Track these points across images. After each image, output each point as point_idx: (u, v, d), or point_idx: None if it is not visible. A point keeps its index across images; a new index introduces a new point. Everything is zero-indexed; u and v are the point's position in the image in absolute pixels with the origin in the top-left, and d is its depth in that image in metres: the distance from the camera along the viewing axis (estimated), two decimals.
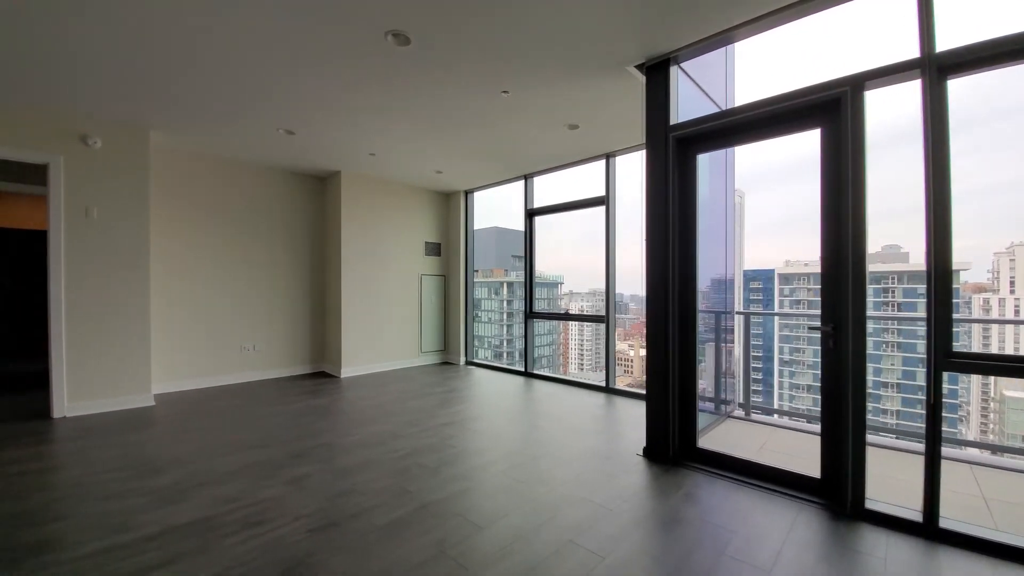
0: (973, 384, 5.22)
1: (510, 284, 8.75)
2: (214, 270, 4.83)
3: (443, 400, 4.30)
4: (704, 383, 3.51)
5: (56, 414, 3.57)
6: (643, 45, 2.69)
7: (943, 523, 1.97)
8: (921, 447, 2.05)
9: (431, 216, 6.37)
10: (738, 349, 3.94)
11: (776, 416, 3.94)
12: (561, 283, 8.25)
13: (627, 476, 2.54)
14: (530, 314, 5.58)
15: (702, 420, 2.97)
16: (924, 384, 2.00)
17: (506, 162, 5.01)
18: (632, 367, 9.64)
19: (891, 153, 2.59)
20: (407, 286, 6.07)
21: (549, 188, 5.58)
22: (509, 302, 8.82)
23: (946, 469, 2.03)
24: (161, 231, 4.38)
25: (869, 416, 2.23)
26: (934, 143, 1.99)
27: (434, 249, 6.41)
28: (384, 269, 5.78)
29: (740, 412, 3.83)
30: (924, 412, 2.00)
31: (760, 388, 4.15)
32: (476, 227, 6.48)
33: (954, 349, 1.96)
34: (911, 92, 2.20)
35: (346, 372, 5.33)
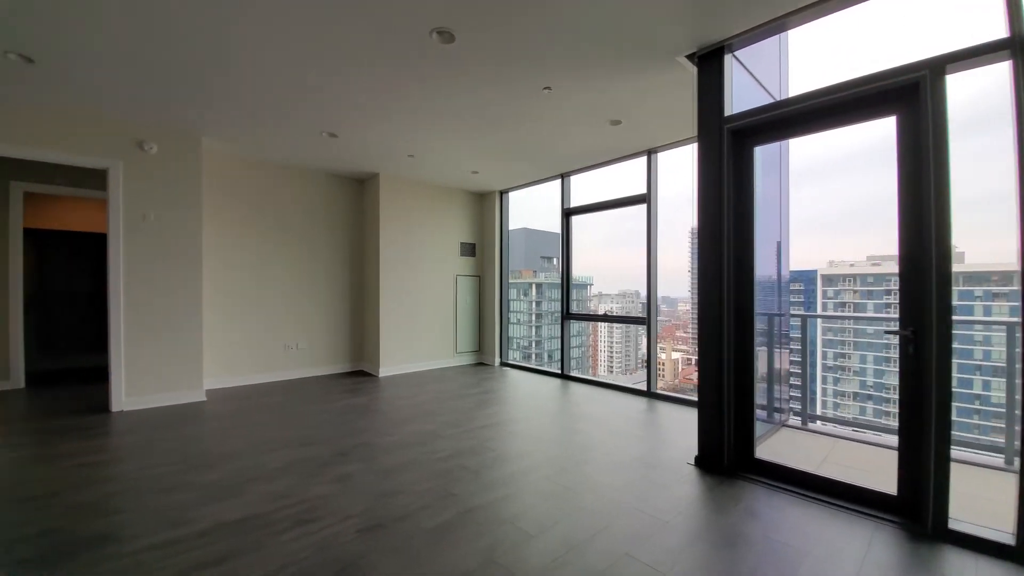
0: None
1: (538, 285, 8.67)
2: (260, 270, 4.97)
3: (481, 401, 4.26)
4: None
5: (114, 408, 3.74)
6: (695, 33, 2.57)
7: None
8: (1001, 461, 1.84)
9: (466, 217, 6.37)
10: (786, 354, 3.71)
11: (827, 425, 3.69)
12: (591, 284, 8.13)
13: (680, 486, 2.41)
14: (567, 315, 5.48)
15: (755, 429, 2.80)
16: (986, 394, 1.80)
17: (544, 161, 4.94)
18: (664, 370, 9.39)
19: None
20: (443, 286, 6.09)
21: (585, 187, 5.49)
22: (538, 303, 8.74)
23: None
24: (210, 232, 4.54)
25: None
26: None
27: (469, 250, 6.41)
28: (421, 270, 5.82)
29: (794, 421, 3.61)
30: (982, 423, 1.80)
31: (797, 395, 3.91)
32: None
33: None
34: (974, 79, 2.03)
35: (384, 371, 5.38)
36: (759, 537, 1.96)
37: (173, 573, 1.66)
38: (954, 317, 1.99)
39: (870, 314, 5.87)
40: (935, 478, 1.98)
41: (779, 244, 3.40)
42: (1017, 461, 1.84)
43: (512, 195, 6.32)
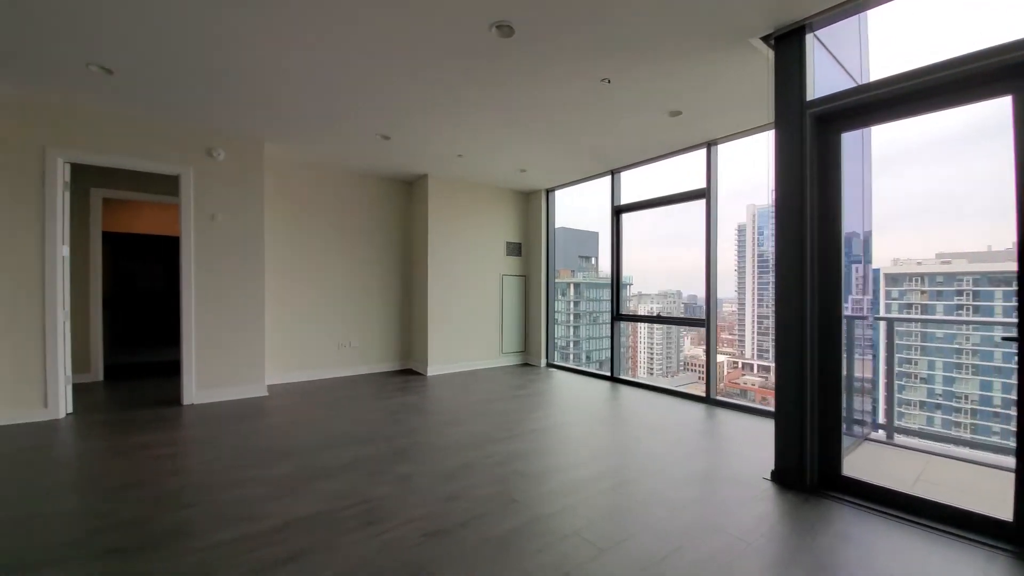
0: None
1: (576, 285, 8.51)
2: (316, 270, 5.12)
3: (531, 404, 4.18)
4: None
5: (186, 401, 3.94)
6: (772, 13, 2.37)
7: None
8: None
9: (512, 216, 6.31)
10: (868, 361, 3.39)
11: (912, 438, 3.34)
12: (630, 284, 7.94)
13: (759, 504, 2.23)
14: (617, 316, 5.31)
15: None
16: None
17: (595, 157, 4.79)
18: (709, 373, 8.98)
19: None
20: (489, 286, 6.06)
21: (633, 184, 5.30)
22: (575, 303, 8.57)
23: None
24: (270, 234, 4.71)
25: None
26: None
27: (515, 249, 6.35)
28: (467, 270, 5.81)
29: (877, 434, 3.30)
30: None
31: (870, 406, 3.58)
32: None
33: None
34: None
35: (432, 370, 5.41)
36: (858, 566, 1.76)
37: (248, 570, 1.68)
38: None
39: (981, 318, 5.21)
40: None
41: (863, 239, 3.11)
42: None
43: (557, 193, 6.21)
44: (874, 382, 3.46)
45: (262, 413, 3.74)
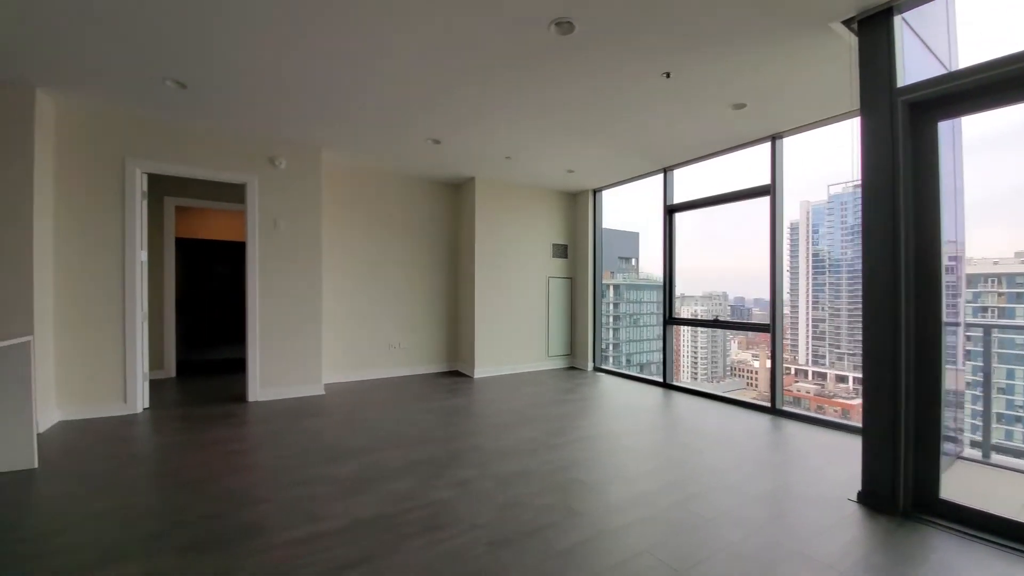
0: None
1: (616, 287, 8.30)
2: (369, 273, 5.25)
3: (581, 409, 4.09)
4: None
5: (250, 398, 4.12)
6: None
7: None
8: None
9: (559, 217, 6.23)
10: (961, 372, 3.07)
11: (1004, 457, 2.99)
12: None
13: (847, 528, 2.05)
14: (670, 319, 5.11)
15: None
16: None
17: (647, 155, 4.64)
18: (756, 380, 8.55)
19: None
20: (535, 289, 6.00)
21: (685, 183, 5.10)
22: (616, 305, 8.36)
23: None
24: (326, 237, 4.86)
25: None
26: None
27: (561, 251, 6.26)
28: (514, 272, 5.79)
29: (972, 452, 2.98)
30: None
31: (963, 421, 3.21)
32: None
33: None
34: None
35: (479, 372, 5.42)
36: None
37: (320, 570, 1.70)
38: None
39: None
40: None
41: (957, 236, 2.82)
42: None
43: (604, 194, 6.07)
44: (963, 394, 3.14)
45: (321, 411, 3.85)
